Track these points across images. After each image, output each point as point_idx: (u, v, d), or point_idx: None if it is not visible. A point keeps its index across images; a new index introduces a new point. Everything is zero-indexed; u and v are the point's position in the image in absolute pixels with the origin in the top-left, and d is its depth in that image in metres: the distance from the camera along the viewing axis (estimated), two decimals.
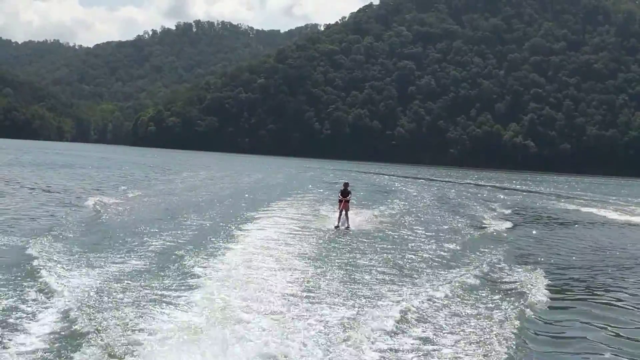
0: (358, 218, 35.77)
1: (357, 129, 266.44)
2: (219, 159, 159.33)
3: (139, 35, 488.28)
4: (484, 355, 12.72)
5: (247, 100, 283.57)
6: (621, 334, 15.60)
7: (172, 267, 19.75)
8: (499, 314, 16.02)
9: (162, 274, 18.78)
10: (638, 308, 18.45)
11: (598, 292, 20.44)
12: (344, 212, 32.09)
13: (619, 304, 18.83)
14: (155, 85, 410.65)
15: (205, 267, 19.73)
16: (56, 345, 12.19)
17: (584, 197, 76.59)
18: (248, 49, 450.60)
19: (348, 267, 21.30)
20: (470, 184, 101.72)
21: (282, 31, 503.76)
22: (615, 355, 13.94)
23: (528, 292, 18.67)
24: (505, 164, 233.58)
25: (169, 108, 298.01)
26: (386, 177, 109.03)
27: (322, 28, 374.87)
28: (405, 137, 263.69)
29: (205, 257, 21.52)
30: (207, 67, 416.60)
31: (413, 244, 27.81)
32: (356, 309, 15.67)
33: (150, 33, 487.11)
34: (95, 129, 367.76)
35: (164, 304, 15.23)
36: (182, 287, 17.13)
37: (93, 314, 13.97)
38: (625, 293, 20.46)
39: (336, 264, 21.72)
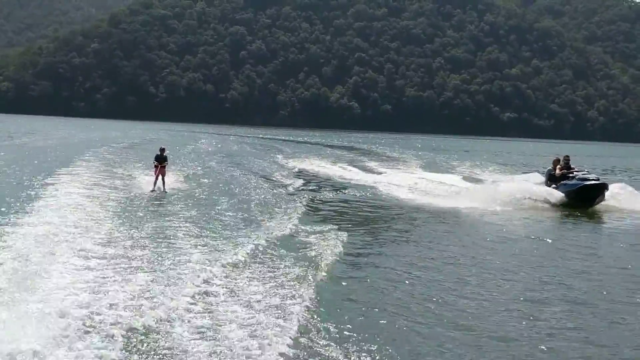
0: (174, 180, 35.38)
1: (191, 92, 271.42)
2: (51, 123, 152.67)
3: None
4: (281, 319, 12.76)
5: (81, 65, 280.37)
6: (414, 293, 15.52)
7: None
8: (297, 275, 16.09)
9: None
10: (425, 262, 18.98)
11: (387, 253, 20.41)
12: (160, 177, 32.49)
13: (409, 262, 18.90)
14: None
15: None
16: None
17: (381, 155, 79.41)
18: (80, 12, 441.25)
19: (156, 232, 20.86)
20: (282, 139, 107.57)
21: None
22: (406, 313, 13.92)
23: (322, 252, 18.88)
24: (332, 124, 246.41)
25: (1, 73, 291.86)
26: (214, 137, 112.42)
27: None
28: (238, 100, 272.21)
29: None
30: (39, 30, 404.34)
31: (222, 204, 28.34)
32: (158, 274, 15.43)
33: None
34: None
35: None
36: None
37: None
38: (411, 251, 20.72)
39: (144, 229, 21.35)
